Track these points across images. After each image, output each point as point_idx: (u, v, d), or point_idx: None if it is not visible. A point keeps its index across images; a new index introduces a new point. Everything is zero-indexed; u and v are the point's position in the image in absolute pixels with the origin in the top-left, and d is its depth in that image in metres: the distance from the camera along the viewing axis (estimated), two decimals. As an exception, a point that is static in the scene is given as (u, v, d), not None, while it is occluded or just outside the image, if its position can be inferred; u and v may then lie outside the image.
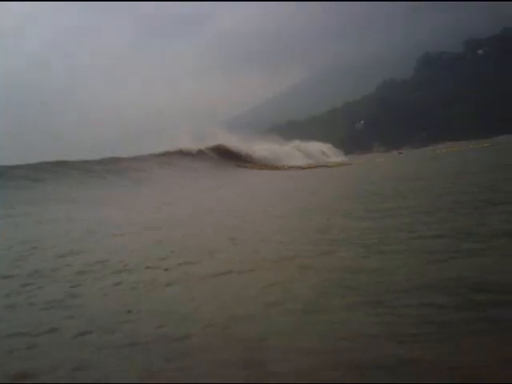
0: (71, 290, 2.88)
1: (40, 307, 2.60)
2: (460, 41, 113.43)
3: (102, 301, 2.65)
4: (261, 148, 27.27)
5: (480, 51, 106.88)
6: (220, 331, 2.03)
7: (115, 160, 17.29)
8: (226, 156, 23.87)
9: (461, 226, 3.66)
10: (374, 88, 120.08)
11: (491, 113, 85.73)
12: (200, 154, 22.56)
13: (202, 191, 11.85)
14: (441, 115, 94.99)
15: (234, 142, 25.61)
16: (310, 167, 22.53)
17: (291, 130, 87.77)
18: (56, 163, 14.69)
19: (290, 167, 22.88)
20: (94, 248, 4.24)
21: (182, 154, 21.49)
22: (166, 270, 3.19)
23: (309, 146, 33.42)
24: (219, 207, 7.21)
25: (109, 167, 15.63)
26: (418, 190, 6.77)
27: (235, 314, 2.22)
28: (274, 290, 2.51)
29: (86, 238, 4.83)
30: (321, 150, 34.83)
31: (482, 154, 17.79)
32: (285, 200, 8.02)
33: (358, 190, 8.31)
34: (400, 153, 42.73)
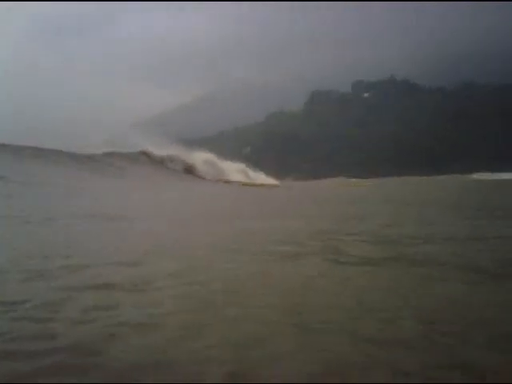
0: None
1: None
2: (350, 81, 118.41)
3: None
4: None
5: (366, 94, 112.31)
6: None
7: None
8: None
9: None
10: (264, 115, 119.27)
11: (374, 153, 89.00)
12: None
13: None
14: (324, 150, 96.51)
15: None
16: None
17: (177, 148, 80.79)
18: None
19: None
20: None
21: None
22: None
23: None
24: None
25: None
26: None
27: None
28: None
29: None
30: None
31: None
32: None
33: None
34: (277, 185, 41.15)
